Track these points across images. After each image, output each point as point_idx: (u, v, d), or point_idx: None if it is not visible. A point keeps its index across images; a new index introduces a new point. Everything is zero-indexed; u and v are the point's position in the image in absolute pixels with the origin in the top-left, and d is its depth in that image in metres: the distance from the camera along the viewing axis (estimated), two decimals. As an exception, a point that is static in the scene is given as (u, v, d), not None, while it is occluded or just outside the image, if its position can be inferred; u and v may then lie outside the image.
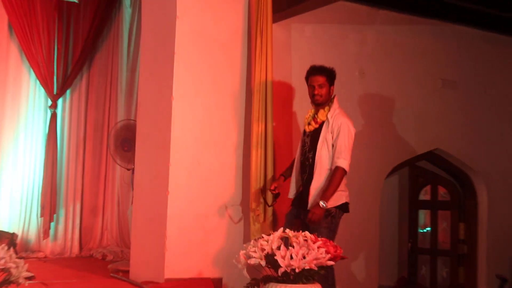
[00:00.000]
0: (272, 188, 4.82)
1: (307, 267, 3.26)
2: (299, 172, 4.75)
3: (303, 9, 5.54)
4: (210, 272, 5.16)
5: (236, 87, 5.42)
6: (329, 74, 4.63)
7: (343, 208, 4.59)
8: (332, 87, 4.65)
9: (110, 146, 7.41)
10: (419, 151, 6.68)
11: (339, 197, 4.53)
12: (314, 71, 4.65)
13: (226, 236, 5.28)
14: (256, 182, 5.11)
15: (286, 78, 5.71)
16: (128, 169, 7.44)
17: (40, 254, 7.43)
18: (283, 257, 3.25)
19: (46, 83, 7.58)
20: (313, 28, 5.97)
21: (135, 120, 6.65)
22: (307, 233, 3.45)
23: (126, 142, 7.32)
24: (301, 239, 3.38)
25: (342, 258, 3.57)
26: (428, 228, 7.37)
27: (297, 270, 3.25)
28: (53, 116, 7.64)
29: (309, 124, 4.71)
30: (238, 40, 5.44)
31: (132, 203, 6.53)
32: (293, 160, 4.91)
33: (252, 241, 3.46)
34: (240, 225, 5.34)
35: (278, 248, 3.31)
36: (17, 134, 7.63)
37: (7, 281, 2.98)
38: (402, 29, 6.52)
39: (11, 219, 7.46)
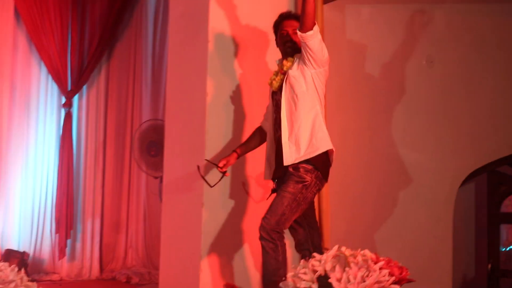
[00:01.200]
0: (221, 165, 4.70)
1: (367, 292, 3.28)
2: (274, 145, 4.64)
3: (359, -12, 5.58)
4: (253, 297, 5.21)
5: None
6: None
7: (324, 167, 4.45)
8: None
9: (135, 150, 7.47)
10: (501, 154, 6.61)
11: (320, 143, 4.40)
12: (288, 16, 4.71)
13: (270, 255, 5.29)
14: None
15: (338, 68, 5.73)
16: (156, 177, 7.49)
17: (55, 276, 7.57)
18: (339, 280, 3.25)
19: (59, 78, 7.70)
20: (370, 9, 5.97)
21: (163, 120, 6.72)
22: (366, 251, 3.47)
23: (153, 145, 7.37)
24: (359, 258, 3.39)
25: (409, 281, 3.57)
26: (512, 246, 7.31)
27: (355, 295, 3.27)
28: (68, 116, 7.76)
29: (273, 81, 4.65)
30: (283, 25, 5.47)
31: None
32: (253, 133, 4.91)
33: (302, 261, 3.49)
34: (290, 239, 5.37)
35: (333, 269, 3.33)
36: (26, 138, 7.75)
37: (18, 308, 3.05)
38: (477, 8, 6.46)
39: (21, 235, 7.60)
